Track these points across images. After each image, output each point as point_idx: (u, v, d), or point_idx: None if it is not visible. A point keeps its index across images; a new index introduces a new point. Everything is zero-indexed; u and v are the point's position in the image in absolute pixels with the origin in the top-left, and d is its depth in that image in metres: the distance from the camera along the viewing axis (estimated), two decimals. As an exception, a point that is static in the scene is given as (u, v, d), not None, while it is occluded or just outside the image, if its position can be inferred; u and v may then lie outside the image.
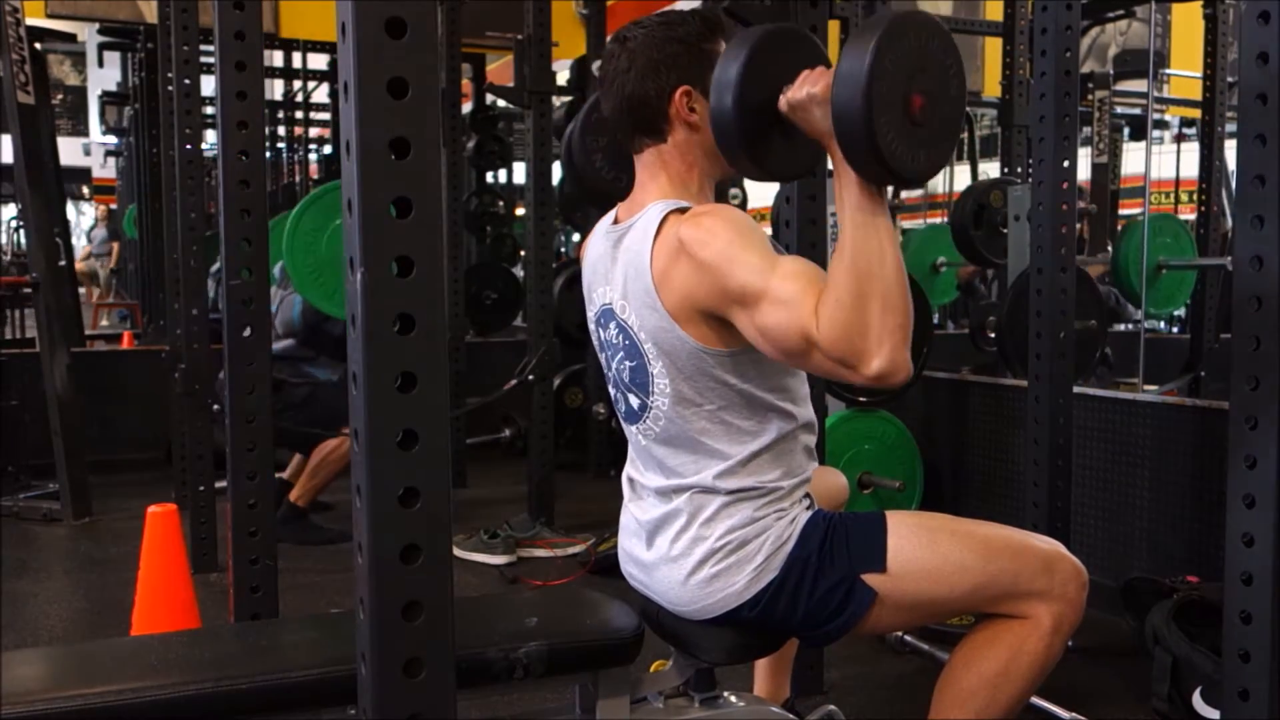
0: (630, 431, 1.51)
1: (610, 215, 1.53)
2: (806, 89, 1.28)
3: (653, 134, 1.45)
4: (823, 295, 1.23)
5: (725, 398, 1.40)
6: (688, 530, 1.43)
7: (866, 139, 1.19)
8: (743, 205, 3.91)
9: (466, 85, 6.01)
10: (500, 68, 6.75)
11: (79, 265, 10.38)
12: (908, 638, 2.48)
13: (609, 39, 1.51)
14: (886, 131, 1.19)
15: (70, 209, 11.68)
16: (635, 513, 1.53)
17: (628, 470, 1.56)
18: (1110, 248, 4.26)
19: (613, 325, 1.47)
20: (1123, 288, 4.01)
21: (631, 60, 1.44)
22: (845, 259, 1.22)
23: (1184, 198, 5.86)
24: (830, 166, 1.30)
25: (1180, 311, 6.09)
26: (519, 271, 5.78)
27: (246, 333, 1.92)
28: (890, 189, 1.45)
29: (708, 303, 1.33)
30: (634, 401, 1.47)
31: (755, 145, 1.34)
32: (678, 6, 1.69)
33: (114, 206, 12.68)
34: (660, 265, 1.36)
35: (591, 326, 1.55)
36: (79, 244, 13.40)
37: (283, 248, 3.05)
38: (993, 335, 3.70)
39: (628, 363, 1.45)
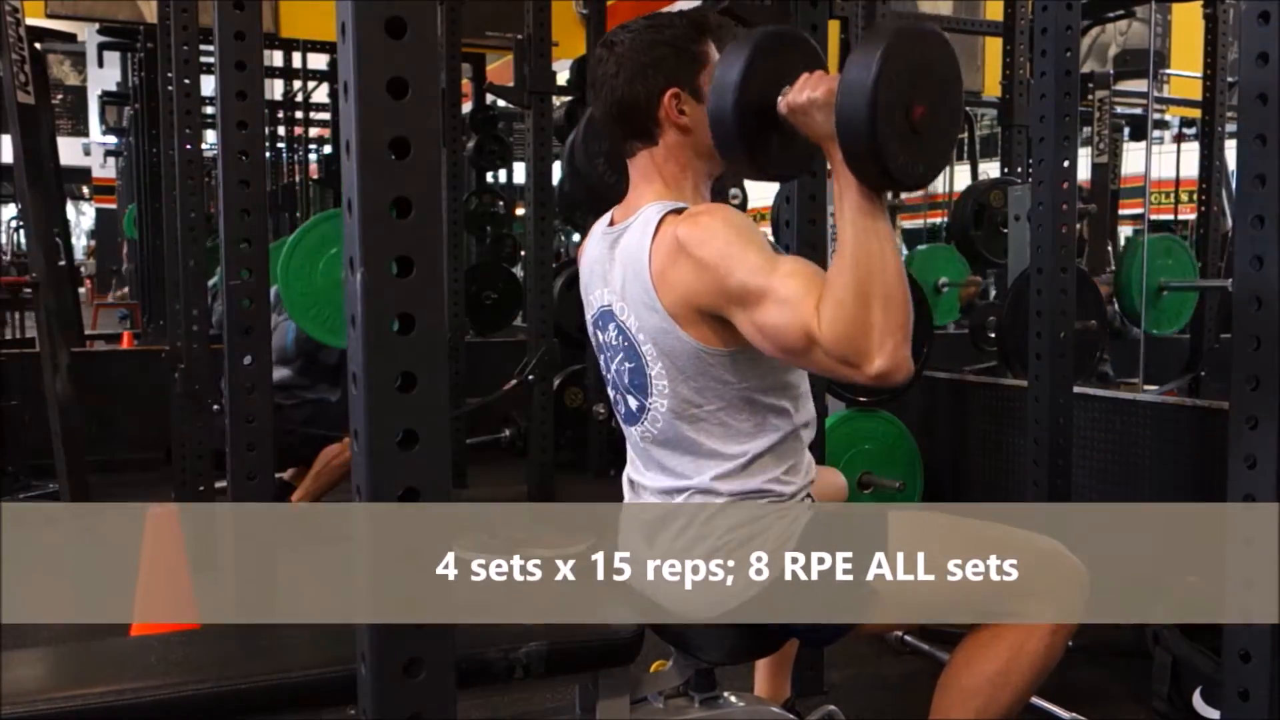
0: (629, 433, 1.51)
1: (606, 217, 1.53)
2: (807, 93, 1.28)
3: (643, 137, 1.45)
4: (824, 295, 1.23)
5: (725, 398, 1.40)
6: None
7: (869, 147, 1.20)
8: (743, 206, 3.90)
9: (466, 85, 6.00)
10: (500, 68, 6.74)
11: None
12: (908, 638, 2.48)
13: (598, 43, 1.51)
14: (889, 140, 1.20)
15: (70, 209, 11.65)
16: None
17: (628, 471, 1.57)
18: (1112, 264, 4.28)
19: (611, 327, 1.47)
20: (1125, 308, 4.03)
21: (619, 64, 1.43)
22: (846, 260, 1.23)
23: (1184, 198, 5.86)
24: (829, 167, 1.31)
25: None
26: (519, 271, 5.78)
27: (246, 333, 1.92)
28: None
29: (707, 302, 1.33)
30: (633, 403, 1.47)
31: (754, 146, 1.34)
32: (676, 7, 1.69)
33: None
34: (659, 265, 1.36)
35: (590, 328, 1.55)
36: (80, 244, 13.40)
37: (277, 276, 3.01)
38: (993, 335, 3.70)
39: (626, 364, 1.45)
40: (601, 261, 1.49)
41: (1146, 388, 3.39)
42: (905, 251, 7.97)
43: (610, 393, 1.54)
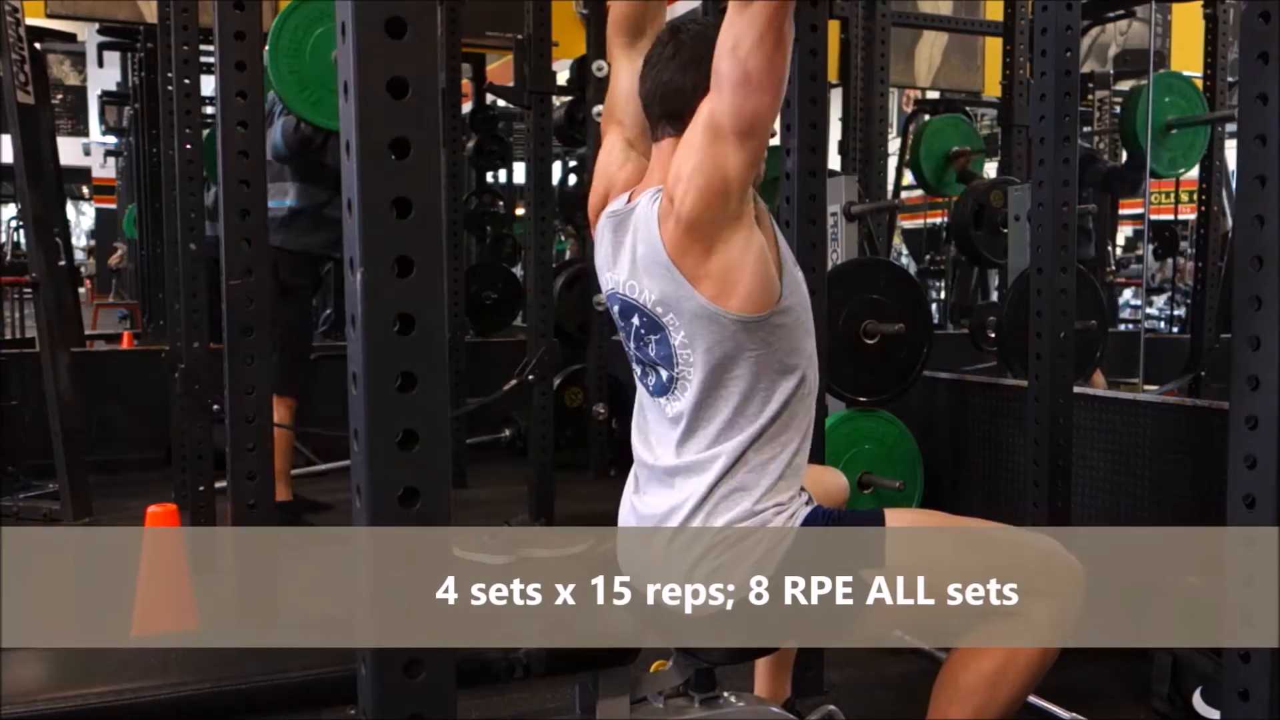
0: (657, 405, 1.52)
1: (625, 194, 1.55)
2: None
3: (675, 124, 1.47)
4: None
5: (747, 363, 1.42)
6: (688, 525, 1.43)
7: None
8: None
9: (466, 85, 6.00)
10: (500, 68, 6.74)
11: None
12: (908, 638, 2.48)
13: (664, 28, 1.56)
14: None
15: (70, 209, 11.64)
16: (636, 505, 1.53)
17: (638, 450, 1.56)
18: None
19: (628, 305, 1.49)
20: (1132, 152, 3.94)
21: (678, 49, 1.47)
22: None
23: (1184, 197, 5.85)
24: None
25: (1180, 311, 6.09)
26: (519, 271, 5.78)
27: (247, 333, 1.92)
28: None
29: (719, 176, 1.34)
30: (663, 374, 1.48)
31: None
32: (678, 8, 1.69)
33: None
34: (672, 236, 1.39)
35: (606, 303, 1.58)
36: (80, 244, 13.39)
37: (265, 64, 2.82)
38: (993, 335, 3.70)
39: (651, 337, 1.47)
40: (610, 243, 1.52)
41: (1146, 388, 3.40)
42: (905, 253, 7.99)
43: (635, 368, 1.56)
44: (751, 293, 1.39)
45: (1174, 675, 2.15)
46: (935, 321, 4.58)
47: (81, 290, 8.87)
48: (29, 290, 4.00)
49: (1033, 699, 2.08)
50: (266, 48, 2.86)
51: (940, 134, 4.80)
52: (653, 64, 1.50)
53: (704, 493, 1.43)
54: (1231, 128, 4.04)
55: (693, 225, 1.36)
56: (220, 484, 2.31)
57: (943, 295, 6.66)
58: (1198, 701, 2.09)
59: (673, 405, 1.48)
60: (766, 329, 1.41)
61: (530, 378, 3.60)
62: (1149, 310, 6.74)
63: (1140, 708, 2.22)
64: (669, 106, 1.47)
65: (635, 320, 1.49)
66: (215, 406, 3.18)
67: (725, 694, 1.56)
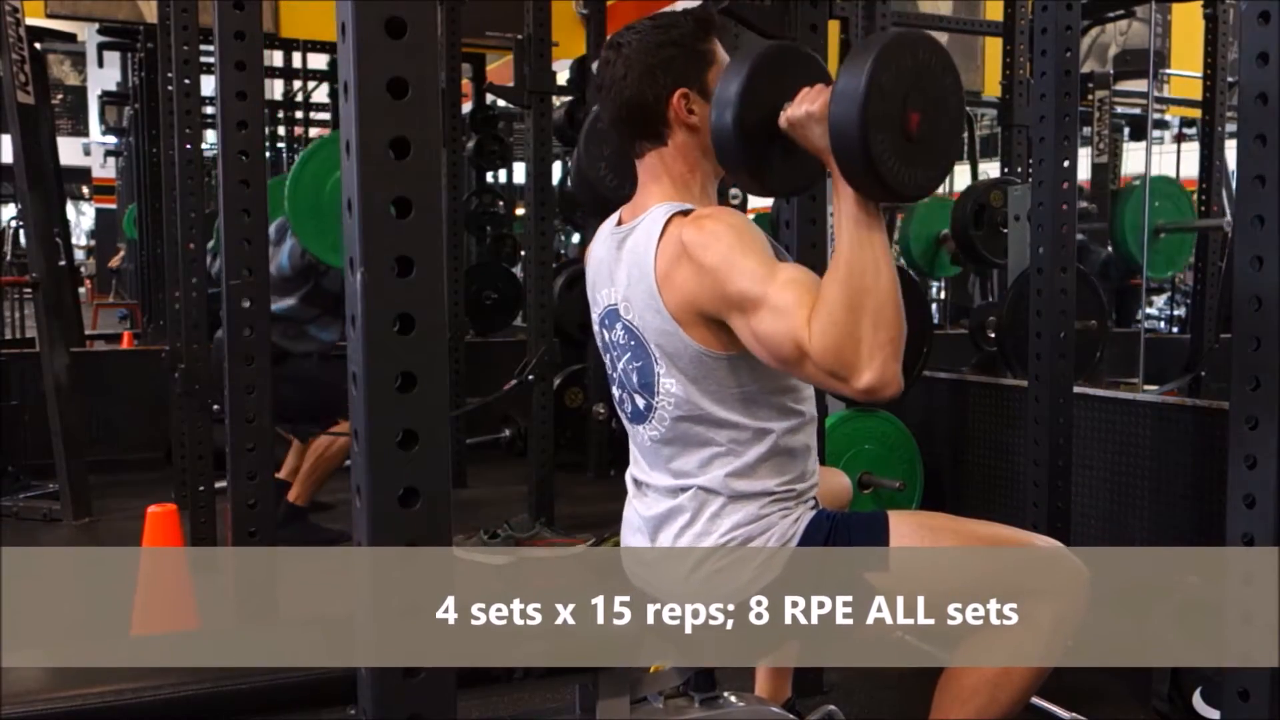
0: (636, 431, 1.51)
1: (614, 217, 1.53)
2: (805, 107, 1.29)
3: (653, 138, 1.46)
4: (815, 307, 1.24)
5: (728, 400, 1.40)
6: (691, 526, 1.43)
7: (862, 157, 1.20)
8: (742, 206, 3.89)
9: (466, 85, 6.00)
10: (500, 68, 6.74)
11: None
12: (908, 638, 2.48)
13: (604, 45, 1.52)
14: (882, 150, 1.20)
15: (70, 209, 11.63)
16: (639, 509, 1.53)
17: (631, 470, 1.56)
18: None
19: (618, 326, 1.47)
20: (1121, 253, 4.00)
21: (628, 66, 1.44)
22: (840, 273, 1.24)
23: (1184, 198, 5.85)
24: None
25: (1180, 311, 6.09)
26: (519, 271, 5.78)
27: (247, 333, 1.92)
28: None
29: (708, 307, 1.34)
30: (640, 402, 1.47)
31: (756, 162, 1.35)
32: (677, 7, 1.69)
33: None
34: (663, 268, 1.37)
35: (596, 327, 1.55)
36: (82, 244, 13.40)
37: (284, 199, 3.02)
38: (993, 335, 3.70)
39: (634, 363, 1.46)
40: (608, 261, 1.49)
41: (1146, 388, 3.39)
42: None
43: (616, 391, 1.55)
44: (729, 340, 1.37)
45: (1174, 675, 2.15)
46: (935, 321, 4.57)
47: (81, 290, 8.87)
48: (29, 290, 4.00)
49: (1033, 699, 2.08)
50: (289, 180, 3.06)
51: (929, 217, 4.71)
52: (608, 88, 1.47)
53: (705, 499, 1.43)
54: (1232, 127, 4.05)
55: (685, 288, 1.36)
56: (220, 484, 2.30)
57: (943, 295, 6.64)
58: (1198, 702, 2.09)
59: (651, 434, 1.47)
60: (745, 366, 1.39)
61: (530, 378, 3.60)
62: (1149, 310, 6.74)
63: (1140, 708, 2.22)
64: (640, 121, 1.46)
65: (627, 341, 1.46)
66: (215, 406, 3.18)
67: (725, 694, 1.56)
